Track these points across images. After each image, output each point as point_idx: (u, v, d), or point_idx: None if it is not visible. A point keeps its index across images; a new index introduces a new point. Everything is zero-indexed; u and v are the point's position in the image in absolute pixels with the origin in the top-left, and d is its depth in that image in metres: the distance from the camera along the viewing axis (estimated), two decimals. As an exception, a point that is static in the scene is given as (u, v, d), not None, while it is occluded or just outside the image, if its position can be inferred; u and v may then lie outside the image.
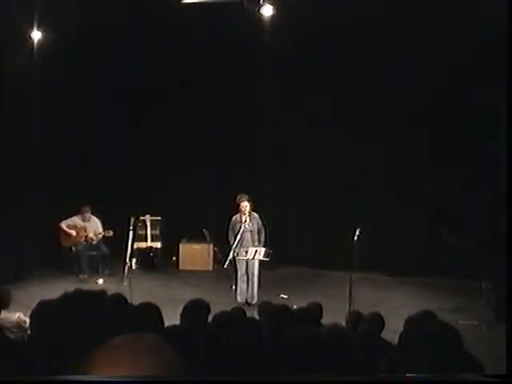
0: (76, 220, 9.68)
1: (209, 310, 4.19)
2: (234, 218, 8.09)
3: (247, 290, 8.01)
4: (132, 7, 8.39)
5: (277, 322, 4.13)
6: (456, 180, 9.19)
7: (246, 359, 3.27)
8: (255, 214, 8.14)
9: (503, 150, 5.71)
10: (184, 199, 10.63)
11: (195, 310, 4.15)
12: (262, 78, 9.49)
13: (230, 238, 8.01)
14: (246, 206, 8.02)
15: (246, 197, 8.10)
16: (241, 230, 7.90)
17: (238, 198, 8.07)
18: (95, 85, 9.90)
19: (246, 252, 7.87)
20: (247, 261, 7.97)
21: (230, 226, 8.06)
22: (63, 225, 9.62)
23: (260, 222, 8.14)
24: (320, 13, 8.51)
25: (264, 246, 8.00)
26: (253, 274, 8.00)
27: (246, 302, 7.83)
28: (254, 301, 7.79)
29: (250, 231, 8.04)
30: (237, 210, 8.09)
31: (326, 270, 9.83)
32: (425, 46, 8.87)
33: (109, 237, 9.54)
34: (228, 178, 10.33)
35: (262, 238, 8.11)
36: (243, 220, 8.00)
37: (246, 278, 8.01)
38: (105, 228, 9.65)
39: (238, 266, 8.01)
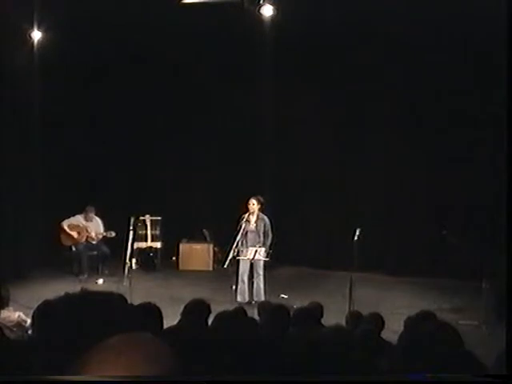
0: (79, 220, 9.67)
1: (209, 310, 4.19)
2: (243, 216, 8.01)
3: (251, 289, 7.98)
4: (132, 7, 8.39)
5: (277, 321, 4.13)
6: (456, 180, 9.20)
7: (245, 359, 3.27)
8: (263, 215, 8.05)
9: (503, 149, 5.70)
10: (184, 199, 10.63)
11: (196, 309, 4.15)
12: (262, 78, 9.49)
13: (239, 235, 7.86)
14: (253, 204, 7.98)
15: (257, 197, 8.02)
16: (241, 230, 7.88)
17: (251, 198, 8.01)
18: (95, 84, 9.91)
19: (247, 252, 7.86)
20: (253, 260, 7.95)
21: (241, 224, 7.93)
22: (65, 224, 9.62)
23: (268, 224, 8.02)
24: (320, 12, 8.52)
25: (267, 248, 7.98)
26: (258, 273, 7.97)
27: (249, 302, 7.81)
28: (261, 299, 7.65)
29: (255, 232, 7.98)
30: (246, 208, 8.05)
31: (326, 270, 9.84)
32: (423, 46, 8.88)
33: (110, 237, 9.54)
34: (228, 178, 10.33)
35: (268, 241, 7.99)
36: (249, 219, 7.98)
37: (247, 277, 7.98)
38: (105, 228, 9.66)
39: (241, 266, 7.98)
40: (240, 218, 7.96)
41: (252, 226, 7.99)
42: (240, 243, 7.86)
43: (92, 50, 9.49)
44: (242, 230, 7.87)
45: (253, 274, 8.01)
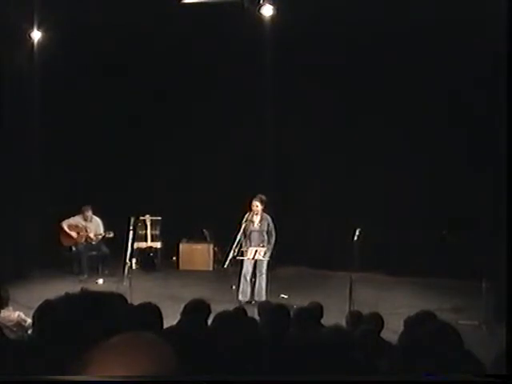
0: (77, 220, 9.68)
1: (209, 310, 4.19)
2: (245, 216, 8.00)
3: (254, 288, 7.98)
4: (132, 7, 8.39)
5: (277, 321, 4.13)
6: (456, 180, 9.20)
7: (245, 359, 3.27)
8: (266, 215, 8.06)
9: (503, 150, 5.71)
10: (184, 199, 10.63)
11: (196, 309, 4.15)
12: (263, 78, 9.49)
13: (239, 235, 7.83)
14: (256, 205, 7.96)
15: (260, 197, 8.02)
16: (243, 230, 7.88)
17: (255, 198, 8.01)
18: (95, 85, 9.90)
19: (247, 252, 7.86)
20: (255, 260, 7.93)
21: (242, 224, 7.93)
22: (64, 224, 9.62)
23: (271, 224, 8.04)
24: (320, 13, 8.52)
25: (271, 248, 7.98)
26: (261, 272, 7.97)
27: (250, 301, 7.82)
28: (262, 299, 7.64)
29: (258, 232, 7.98)
30: (249, 208, 8.06)
31: (326, 269, 9.84)
32: (422, 46, 8.89)
33: (109, 237, 9.55)
34: (229, 178, 10.33)
35: (272, 240, 8.01)
36: (253, 220, 7.98)
37: (250, 277, 7.98)
38: (105, 228, 9.66)
39: (245, 266, 7.98)
40: (243, 218, 7.96)
41: (256, 226, 7.98)
42: (243, 243, 7.86)
43: (92, 49, 9.49)
44: (245, 231, 7.87)
45: (255, 274, 8.01)
